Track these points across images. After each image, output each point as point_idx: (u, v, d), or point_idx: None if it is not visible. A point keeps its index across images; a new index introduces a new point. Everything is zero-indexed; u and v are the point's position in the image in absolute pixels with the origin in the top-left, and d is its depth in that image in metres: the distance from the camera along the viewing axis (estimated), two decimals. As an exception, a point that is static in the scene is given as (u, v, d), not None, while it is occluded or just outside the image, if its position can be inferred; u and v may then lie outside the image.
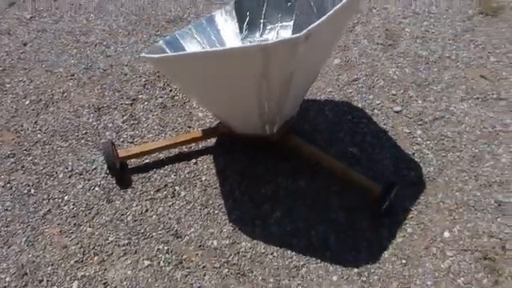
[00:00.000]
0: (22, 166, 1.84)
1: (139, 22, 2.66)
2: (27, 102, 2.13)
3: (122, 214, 1.66)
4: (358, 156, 1.85)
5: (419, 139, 1.91)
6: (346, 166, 1.72)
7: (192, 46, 1.81)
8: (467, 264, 1.51)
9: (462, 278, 1.47)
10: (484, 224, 1.61)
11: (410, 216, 1.64)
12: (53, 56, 2.41)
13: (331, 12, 1.27)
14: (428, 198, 1.70)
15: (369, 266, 1.51)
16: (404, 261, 1.52)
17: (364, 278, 1.48)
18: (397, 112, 2.04)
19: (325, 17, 1.25)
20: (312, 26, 1.21)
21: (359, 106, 2.08)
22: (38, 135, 1.97)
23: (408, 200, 1.69)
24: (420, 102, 2.08)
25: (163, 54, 1.57)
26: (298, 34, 1.19)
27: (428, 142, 1.89)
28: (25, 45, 2.48)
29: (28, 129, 2.00)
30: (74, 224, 1.64)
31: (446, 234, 1.59)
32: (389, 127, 1.97)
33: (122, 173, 1.77)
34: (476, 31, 2.48)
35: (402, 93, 2.13)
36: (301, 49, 1.24)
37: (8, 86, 2.22)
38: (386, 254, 1.54)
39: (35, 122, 2.03)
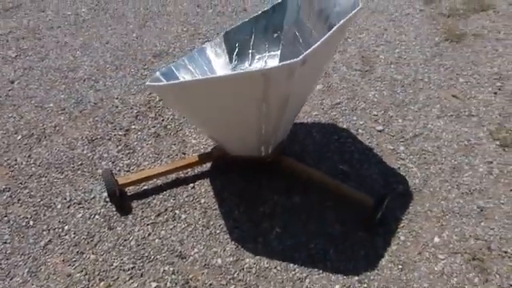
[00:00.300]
0: (19, 199, 1.84)
1: (126, 57, 2.75)
2: (19, 137, 2.14)
3: (125, 240, 1.68)
4: (348, 172, 1.95)
5: (403, 155, 2.03)
6: (338, 181, 1.82)
7: (186, 77, 1.90)
8: (458, 265, 1.60)
9: (455, 279, 1.56)
10: (470, 228, 1.72)
11: (401, 225, 1.74)
12: (41, 92, 2.44)
13: (323, 39, 1.39)
14: (416, 207, 1.80)
15: (368, 273, 1.58)
16: (400, 266, 1.60)
17: (365, 285, 1.54)
18: (379, 131, 2.17)
19: (317, 44, 1.37)
20: (307, 52, 1.32)
21: (344, 126, 2.20)
22: (33, 168, 1.98)
23: (398, 210, 1.78)
24: (400, 120, 2.22)
25: (172, 82, 1.66)
26: (295, 60, 1.30)
27: (411, 157, 2.02)
28: (12, 82, 2.51)
29: (22, 163, 2.01)
30: (77, 252, 1.64)
31: (436, 240, 1.68)
32: (374, 145, 2.09)
33: (121, 200, 1.80)
34: (444, 56, 2.69)
35: (382, 113, 2.27)
36: (297, 73, 1.35)
37: (-2, 122, 2.24)
38: (383, 262, 1.61)
39: (29, 156, 2.04)
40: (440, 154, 2.02)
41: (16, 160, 2.02)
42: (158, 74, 1.80)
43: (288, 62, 1.29)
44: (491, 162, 1.97)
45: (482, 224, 1.73)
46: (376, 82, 2.49)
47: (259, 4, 3.33)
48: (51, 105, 2.35)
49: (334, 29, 1.46)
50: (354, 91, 2.43)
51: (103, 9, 3.31)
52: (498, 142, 2.06)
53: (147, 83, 1.53)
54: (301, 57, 1.30)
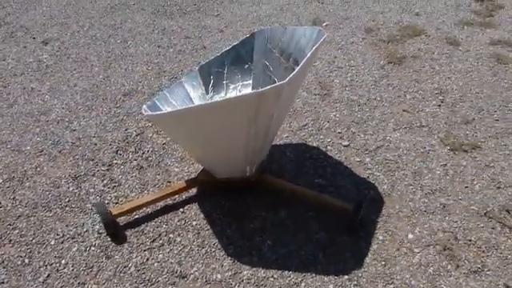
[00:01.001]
0: (10, 240, 1.85)
1: (96, 97, 2.82)
2: (0, 181, 2.14)
3: (125, 267, 1.73)
4: (324, 184, 2.13)
5: (369, 165, 2.25)
6: (317, 193, 1.99)
7: (169, 108, 2.03)
8: (432, 256, 1.79)
9: (431, 268, 1.75)
10: (437, 223, 1.93)
11: (378, 226, 1.92)
12: (16, 136, 2.46)
13: (302, 63, 1.60)
14: (388, 210, 2.00)
15: (356, 271, 1.73)
16: (383, 262, 1.77)
17: (355, 282, 1.69)
18: (345, 146, 2.38)
19: (299, 67, 1.57)
20: (292, 74, 1.51)
21: (314, 145, 2.40)
22: (20, 209, 1.99)
23: (373, 214, 1.97)
24: (362, 135, 2.46)
25: (172, 110, 1.81)
26: (282, 82, 1.49)
27: (377, 166, 2.24)
28: (-16, 129, 2.51)
29: (7, 205, 2.01)
30: (78, 283, 1.67)
31: (410, 236, 1.88)
32: (343, 158, 2.29)
33: (116, 230, 1.85)
34: (390, 77, 3.00)
35: (345, 130, 2.50)
36: (284, 93, 1.54)
37: (-25, 169, 2.23)
38: (367, 260, 1.78)
39: (13, 198, 2.05)
40: (401, 162, 2.26)
41: (0, 203, 2.02)
42: (144, 106, 1.92)
43: (278, 83, 1.48)
44: (445, 165, 2.24)
45: (447, 218, 1.95)
46: (335, 104, 2.74)
47: (217, 41, 3.54)
48: (28, 148, 2.37)
49: (308, 54, 1.67)
50: (317, 113, 2.65)
51: (65, 54, 3.38)
52: (448, 147, 2.34)
53: (146, 114, 1.64)
54: (287, 79, 1.49)
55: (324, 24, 3.79)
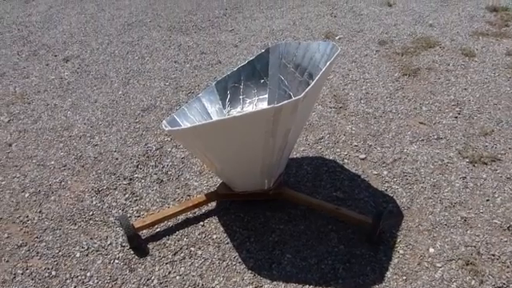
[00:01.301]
0: (37, 252, 1.90)
1: (116, 113, 2.89)
2: (27, 195, 2.21)
3: (148, 279, 1.76)
4: (342, 198, 2.14)
5: (387, 178, 2.26)
6: (336, 206, 2.00)
7: (187, 123, 2.08)
8: (455, 271, 1.79)
9: (454, 284, 1.74)
10: (458, 237, 1.93)
11: (398, 240, 1.92)
12: (41, 151, 2.53)
13: (317, 78, 1.63)
14: (408, 223, 2.00)
15: (377, 286, 1.73)
16: (404, 277, 1.77)
17: (376, 296, 1.69)
18: (362, 159, 2.40)
19: (314, 81, 1.61)
20: (307, 89, 1.55)
21: (331, 158, 2.42)
22: (46, 223, 2.05)
23: (393, 227, 1.98)
24: (379, 148, 2.47)
25: (193, 124, 1.87)
26: (298, 96, 1.52)
27: (395, 180, 2.25)
28: (10, 145, 2.59)
29: (34, 218, 2.07)
30: (103, 296, 1.71)
31: (431, 250, 1.88)
32: (360, 172, 2.31)
33: (138, 243, 1.89)
34: (405, 89, 3.02)
35: (362, 143, 2.51)
36: (300, 107, 1.57)
37: (3, 183, 2.30)
38: (388, 274, 1.78)
39: (40, 212, 2.11)
40: (420, 175, 2.27)
41: (27, 216, 2.08)
42: (164, 122, 1.97)
43: (294, 98, 1.51)
44: (465, 178, 2.23)
45: (468, 232, 1.94)
46: (351, 117, 2.76)
47: (232, 56, 3.60)
48: (52, 162, 2.44)
49: (323, 69, 1.71)
50: (332, 126, 2.67)
51: (85, 71, 3.47)
52: (467, 160, 2.34)
53: (166, 129, 1.69)
54: (303, 94, 1.53)
55: (337, 37, 3.83)
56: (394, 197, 2.14)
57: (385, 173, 2.30)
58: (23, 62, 3.63)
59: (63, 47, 3.86)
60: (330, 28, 3.98)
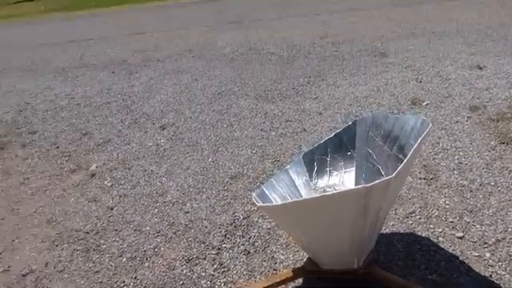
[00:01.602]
0: (131, 320, 1.99)
1: (206, 180, 3.04)
2: (124, 260, 2.36)
3: None
4: (439, 282, 2.00)
5: (490, 261, 2.08)
6: (433, 291, 1.87)
7: (276, 196, 2.12)
8: None
9: None
10: None
11: (506, 335, 1.73)
12: (138, 216, 2.72)
13: (409, 156, 1.61)
14: (517, 315, 1.80)
15: None
16: None
17: None
18: (460, 238, 2.24)
19: (406, 160, 1.58)
20: (399, 167, 1.53)
21: (423, 235, 2.29)
22: (140, 289, 2.16)
23: (499, 319, 1.79)
24: (478, 226, 2.30)
25: (278, 199, 1.93)
26: (390, 176, 1.51)
27: (500, 264, 2.06)
28: (111, 209, 2.82)
29: (130, 284, 2.19)
30: None
31: None
32: (458, 252, 2.15)
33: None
34: (504, 159, 2.82)
35: (458, 220, 2.36)
36: (392, 185, 1.55)
37: (104, 246, 2.49)
38: None
39: (135, 278, 2.23)
40: (528, 258, 2.06)
41: (124, 282, 2.21)
42: (254, 194, 2.03)
43: (386, 178, 1.50)
44: None
45: None
46: (443, 189, 2.62)
47: (316, 124, 3.67)
48: (147, 228, 2.60)
49: (415, 146, 1.68)
50: (424, 199, 2.56)
51: (179, 138, 3.74)
52: None
53: (258, 205, 1.75)
54: (394, 173, 1.51)
55: (424, 103, 3.75)
56: (501, 284, 1.95)
57: (487, 255, 2.11)
58: (126, 130, 4.02)
59: (160, 115, 4.22)
60: (416, 94, 3.92)
